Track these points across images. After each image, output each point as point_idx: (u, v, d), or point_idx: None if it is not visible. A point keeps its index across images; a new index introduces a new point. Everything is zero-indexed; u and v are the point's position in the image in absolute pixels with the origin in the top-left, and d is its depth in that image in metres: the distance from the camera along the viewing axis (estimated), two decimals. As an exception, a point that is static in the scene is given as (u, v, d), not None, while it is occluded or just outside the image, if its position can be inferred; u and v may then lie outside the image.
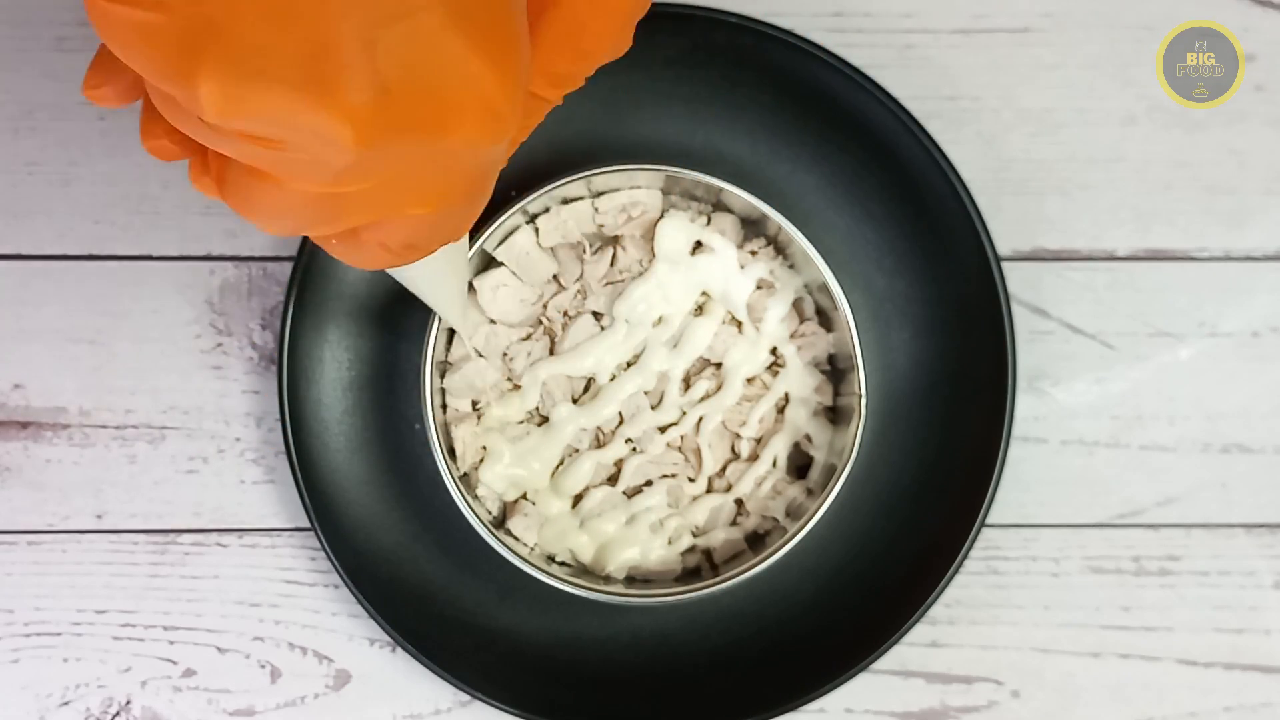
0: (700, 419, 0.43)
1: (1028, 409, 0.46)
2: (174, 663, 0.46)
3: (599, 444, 0.43)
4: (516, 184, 0.42)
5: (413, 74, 0.21)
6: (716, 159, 0.44)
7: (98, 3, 0.20)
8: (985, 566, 0.46)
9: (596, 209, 0.43)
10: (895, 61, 0.46)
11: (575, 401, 0.43)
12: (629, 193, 0.43)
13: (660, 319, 0.43)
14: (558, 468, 0.43)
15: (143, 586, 0.46)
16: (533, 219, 0.43)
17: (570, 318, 0.43)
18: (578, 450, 0.43)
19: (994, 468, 0.43)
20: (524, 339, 0.43)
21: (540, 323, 0.43)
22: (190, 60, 0.20)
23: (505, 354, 0.43)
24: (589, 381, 0.43)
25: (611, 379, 0.43)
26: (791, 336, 0.44)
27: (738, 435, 0.44)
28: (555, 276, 0.43)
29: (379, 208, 0.24)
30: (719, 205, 0.43)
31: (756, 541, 0.44)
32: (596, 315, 0.43)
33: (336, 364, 0.44)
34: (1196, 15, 0.46)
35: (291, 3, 0.20)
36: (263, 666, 0.46)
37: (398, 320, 0.45)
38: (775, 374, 0.44)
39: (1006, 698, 0.46)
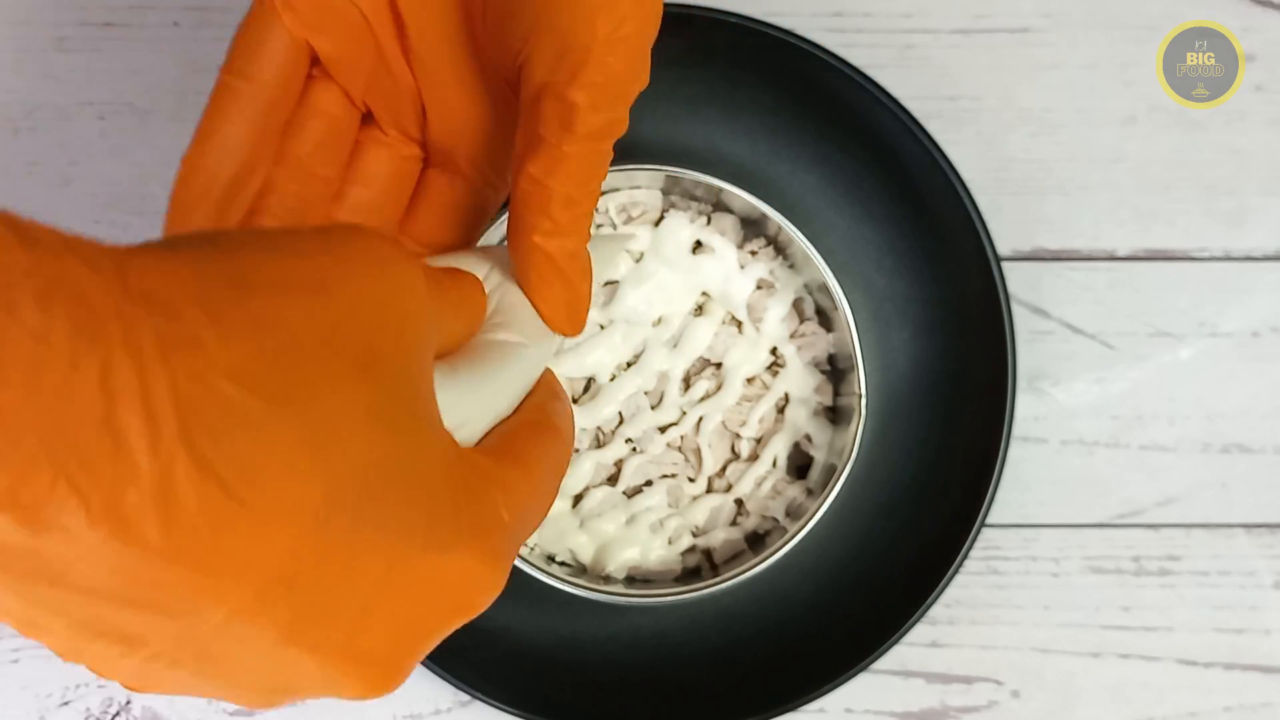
0: (700, 419, 0.43)
1: (1028, 409, 0.46)
2: (174, 663, 0.46)
3: (599, 444, 0.43)
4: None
5: (418, 616, 0.22)
6: (716, 159, 0.44)
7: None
8: (985, 566, 0.46)
9: (596, 209, 0.43)
10: (895, 61, 0.46)
11: (575, 401, 0.43)
12: (629, 193, 0.43)
13: (660, 319, 0.43)
14: (558, 468, 0.43)
15: (143, 586, 0.46)
16: (533, 219, 0.43)
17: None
18: (578, 450, 0.43)
19: (994, 468, 0.43)
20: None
21: (540, 323, 0.43)
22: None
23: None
24: (589, 381, 0.43)
25: (611, 379, 0.43)
26: (791, 336, 0.44)
27: (738, 435, 0.44)
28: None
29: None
30: (719, 205, 0.43)
31: (756, 541, 0.44)
32: (596, 315, 0.43)
33: (336, 364, 0.44)
34: (1196, 15, 0.46)
35: (289, 658, 0.20)
36: (263, 666, 0.46)
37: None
38: (775, 374, 0.44)
39: (1006, 698, 0.46)
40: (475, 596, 0.23)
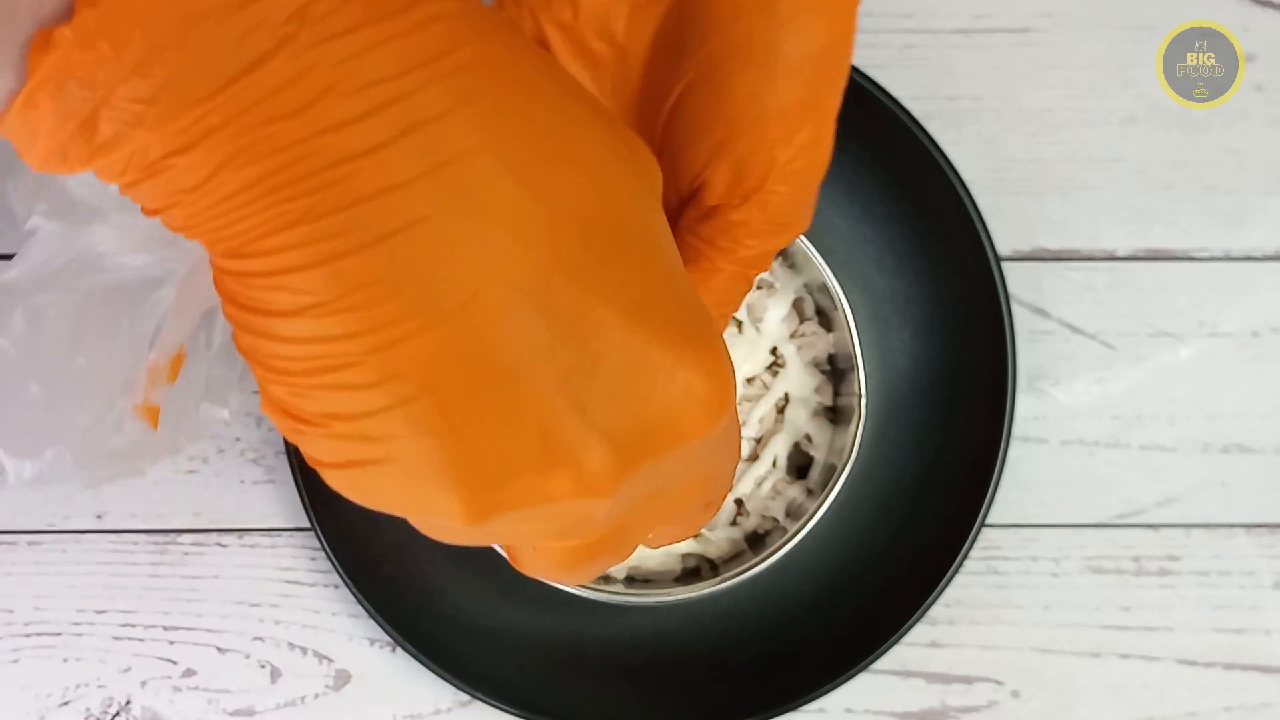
0: (700, 419, 0.43)
1: (1028, 409, 0.46)
2: (174, 663, 0.46)
3: (599, 444, 0.43)
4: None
5: (630, 413, 0.21)
6: (716, 159, 0.44)
7: (318, 465, 0.21)
8: (985, 566, 0.46)
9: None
10: (895, 61, 0.46)
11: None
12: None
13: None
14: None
15: (143, 586, 0.46)
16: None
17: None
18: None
19: (994, 468, 0.43)
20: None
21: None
22: (425, 488, 0.20)
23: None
24: (589, 381, 0.43)
25: (611, 379, 0.43)
26: (791, 336, 0.44)
27: (738, 435, 0.44)
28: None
29: (659, 511, 0.24)
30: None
31: (756, 541, 0.44)
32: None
33: (336, 364, 0.44)
34: (1196, 15, 0.46)
35: (503, 401, 0.20)
36: (263, 666, 0.46)
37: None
38: (775, 374, 0.44)
39: (1006, 698, 0.46)
40: (703, 405, 0.22)
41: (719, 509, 0.29)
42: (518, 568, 0.26)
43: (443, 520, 0.21)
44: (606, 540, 0.24)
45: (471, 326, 0.19)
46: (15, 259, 0.36)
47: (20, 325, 0.35)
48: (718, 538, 0.44)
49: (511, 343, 0.20)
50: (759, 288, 0.43)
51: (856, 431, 0.41)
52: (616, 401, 0.21)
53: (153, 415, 0.38)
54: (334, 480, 0.21)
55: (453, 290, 0.19)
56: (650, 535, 0.26)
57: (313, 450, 0.21)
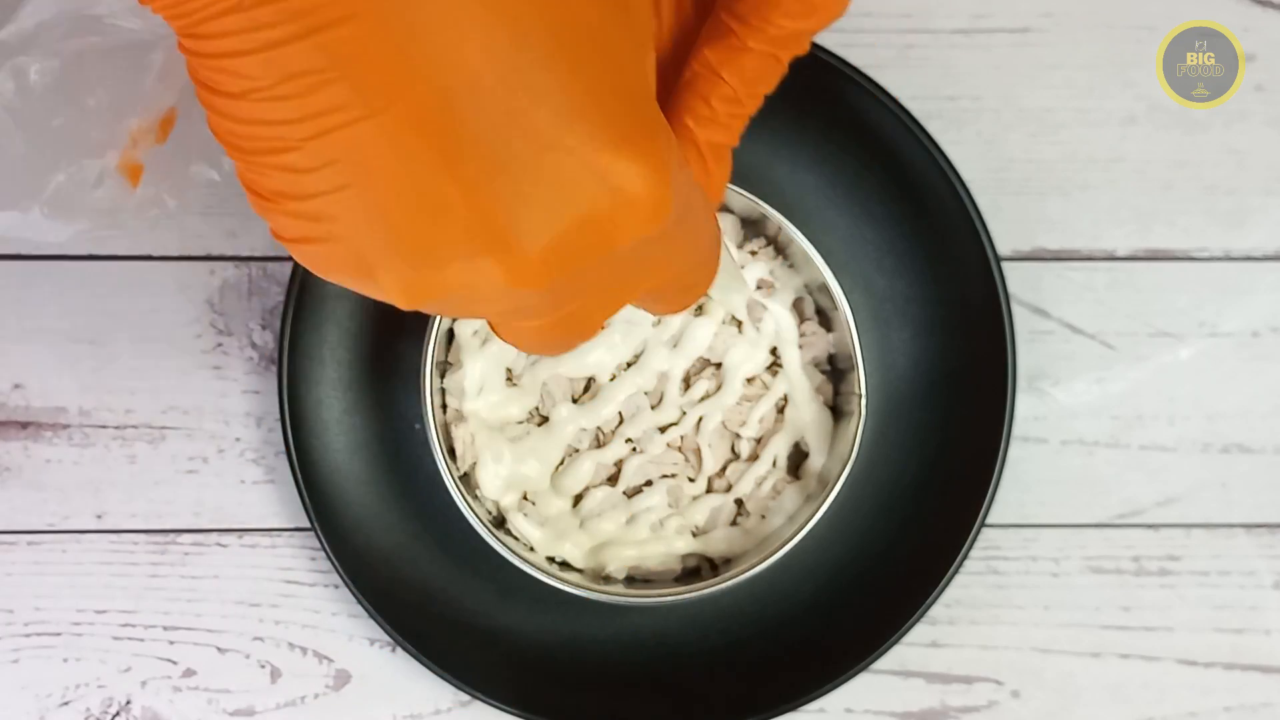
0: (700, 419, 0.43)
1: (1028, 409, 0.46)
2: (174, 663, 0.46)
3: (599, 444, 0.43)
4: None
5: (558, 212, 0.21)
6: (716, 159, 0.44)
7: (280, 239, 0.22)
8: (985, 566, 0.46)
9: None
10: (895, 61, 0.46)
11: (575, 401, 0.43)
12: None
13: (660, 319, 0.43)
14: (558, 468, 0.43)
15: (143, 586, 0.46)
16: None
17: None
18: (578, 450, 0.43)
19: (994, 468, 0.43)
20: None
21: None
22: (366, 267, 0.22)
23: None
24: (589, 381, 0.43)
25: (611, 379, 0.43)
26: (791, 336, 0.44)
27: (738, 435, 0.44)
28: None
29: (612, 300, 0.25)
30: (719, 205, 0.43)
31: (756, 543, 0.44)
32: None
33: (336, 364, 0.44)
34: (1196, 15, 0.46)
35: (433, 192, 0.21)
36: (263, 666, 0.46)
37: (398, 320, 0.44)
38: (775, 374, 0.44)
39: (1006, 698, 0.46)
40: (638, 206, 0.22)
41: (707, 288, 0.29)
42: (496, 335, 0.26)
43: (384, 299, 0.22)
44: (567, 321, 0.24)
45: (402, 120, 0.20)
46: (10, 18, 0.36)
47: (8, 84, 0.35)
48: (718, 538, 0.44)
49: (441, 137, 0.20)
50: (759, 288, 0.43)
51: (856, 431, 0.41)
52: (545, 200, 0.21)
53: (135, 173, 0.39)
54: (294, 254, 0.22)
55: (384, 85, 0.20)
56: (644, 306, 0.27)
57: (274, 225, 0.22)
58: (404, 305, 0.22)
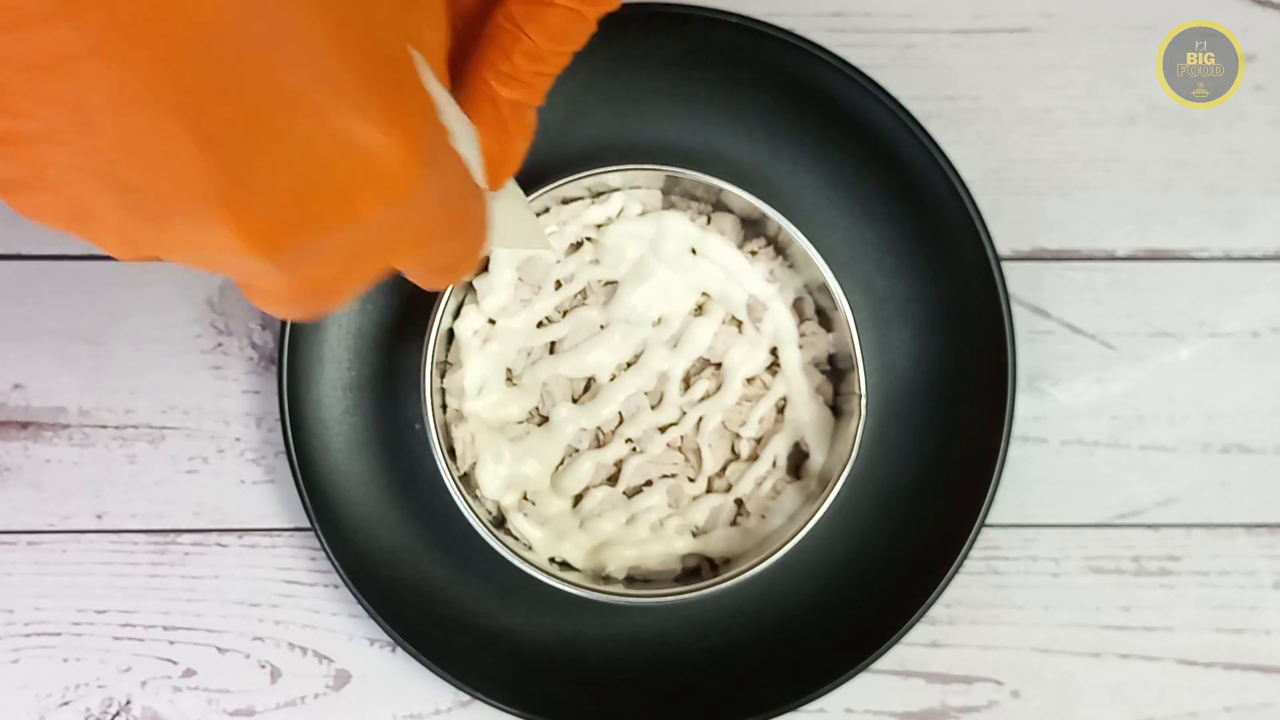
0: (700, 419, 0.43)
1: (1028, 409, 0.46)
2: (174, 663, 0.46)
3: (599, 444, 0.43)
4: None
5: (295, 183, 0.21)
6: (716, 159, 0.44)
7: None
8: (985, 566, 0.46)
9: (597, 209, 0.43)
10: (895, 61, 0.46)
11: (575, 401, 0.43)
12: (629, 193, 0.43)
13: (660, 319, 0.43)
14: (558, 468, 0.43)
15: (143, 586, 0.46)
16: (533, 219, 0.43)
17: (570, 317, 0.43)
18: (578, 450, 0.43)
19: (994, 468, 0.43)
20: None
21: (540, 323, 0.43)
22: (87, 217, 0.21)
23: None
24: (589, 381, 0.43)
25: (611, 379, 0.43)
26: (791, 336, 0.44)
27: (738, 435, 0.44)
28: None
29: (357, 272, 0.24)
30: (719, 205, 0.43)
31: (756, 544, 0.44)
32: (596, 316, 0.43)
33: (336, 364, 0.44)
34: (1196, 15, 0.46)
35: (172, 144, 0.20)
36: (263, 666, 0.46)
37: (398, 321, 0.45)
38: (775, 374, 0.44)
39: (1006, 698, 0.46)
40: (380, 176, 0.21)
41: (473, 266, 0.28)
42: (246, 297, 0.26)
43: (103, 249, 0.21)
44: (310, 288, 0.23)
45: (136, 65, 0.19)
46: None
47: None
48: (718, 537, 0.44)
49: (179, 88, 0.19)
50: (759, 288, 0.43)
51: (856, 431, 0.41)
52: (283, 162, 0.20)
53: None
54: (6, 200, 0.21)
55: (119, 26, 0.19)
56: (410, 278, 0.26)
57: None
58: (123, 258, 0.21)
